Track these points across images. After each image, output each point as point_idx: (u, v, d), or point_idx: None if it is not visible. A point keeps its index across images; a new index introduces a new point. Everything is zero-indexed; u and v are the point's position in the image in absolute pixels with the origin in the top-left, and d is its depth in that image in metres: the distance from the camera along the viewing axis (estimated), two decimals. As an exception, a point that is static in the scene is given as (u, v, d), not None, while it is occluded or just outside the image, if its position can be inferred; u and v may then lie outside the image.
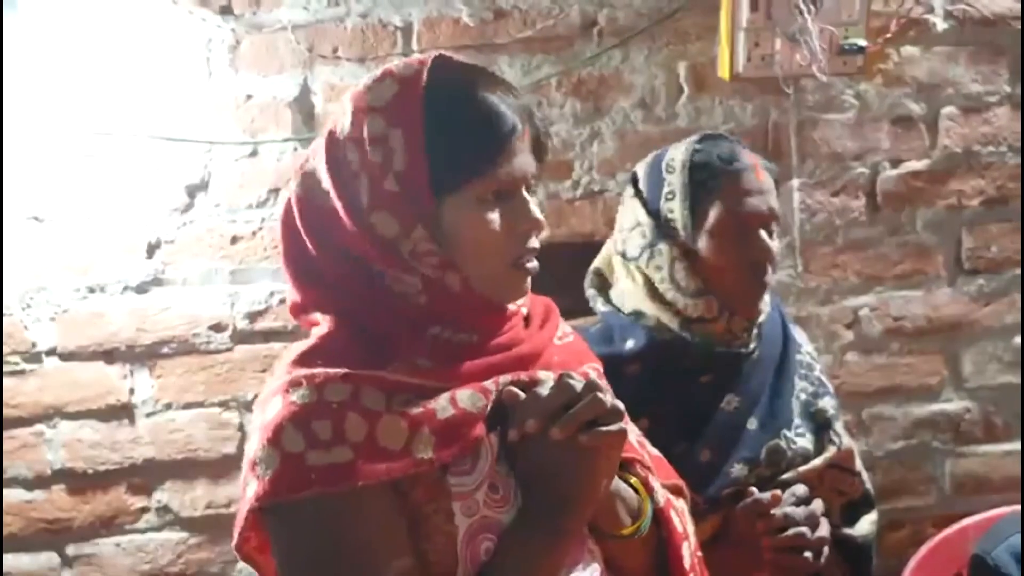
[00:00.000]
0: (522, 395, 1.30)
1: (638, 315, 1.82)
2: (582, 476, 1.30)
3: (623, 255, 1.84)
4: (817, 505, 1.74)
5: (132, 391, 2.16)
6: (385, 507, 1.25)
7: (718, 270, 1.76)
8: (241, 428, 2.22)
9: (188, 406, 2.19)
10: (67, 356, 2.14)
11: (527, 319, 1.42)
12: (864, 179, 2.37)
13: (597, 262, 1.93)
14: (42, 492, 2.15)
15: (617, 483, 1.38)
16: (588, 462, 1.29)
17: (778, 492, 1.73)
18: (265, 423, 1.24)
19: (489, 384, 1.30)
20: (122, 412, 2.17)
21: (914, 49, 2.34)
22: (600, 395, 1.28)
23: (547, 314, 1.44)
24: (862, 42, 2.20)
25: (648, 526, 1.40)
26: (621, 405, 1.30)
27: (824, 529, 1.73)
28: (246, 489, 1.25)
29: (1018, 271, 2.43)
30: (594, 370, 1.42)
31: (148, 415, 2.18)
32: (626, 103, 2.28)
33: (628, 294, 1.84)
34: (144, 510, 2.20)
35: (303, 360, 1.29)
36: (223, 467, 2.21)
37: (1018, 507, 2.06)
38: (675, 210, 1.78)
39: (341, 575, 1.25)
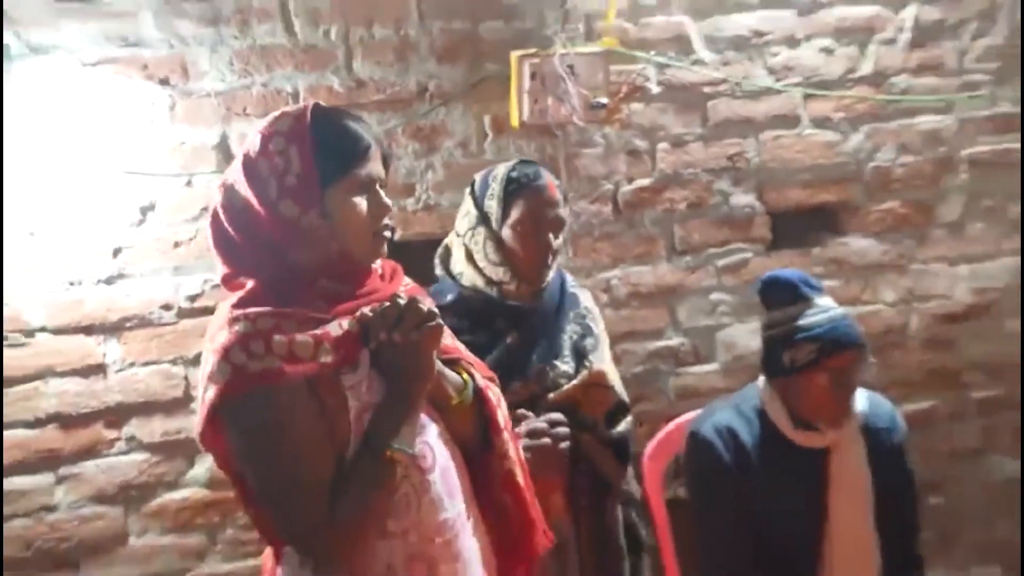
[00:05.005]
0: (370, 313, 1.49)
1: (460, 275, 2.03)
2: (419, 359, 1.52)
3: (456, 233, 2.06)
4: (563, 431, 1.92)
5: (105, 355, 2.34)
6: (304, 398, 1.44)
7: (514, 252, 2.00)
8: (185, 378, 2.40)
9: (146, 364, 2.38)
10: (56, 331, 2.31)
11: (382, 275, 1.61)
12: (610, 192, 2.66)
13: (446, 240, 2.13)
14: (40, 430, 2.31)
15: (443, 369, 1.58)
16: (420, 350, 1.51)
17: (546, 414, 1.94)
18: (216, 347, 1.43)
19: (359, 315, 1.50)
20: (98, 370, 2.34)
21: (639, 105, 2.64)
22: (420, 305, 1.50)
23: (394, 272, 1.65)
24: (604, 100, 2.48)
25: (471, 397, 1.62)
26: (436, 310, 1.52)
27: (565, 445, 1.91)
28: (205, 395, 1.43)
29: (711, 250, 2.76)
30: (425, 298, 1.59)
31: (117, 371, 2.36)
32: (450, 144, 2.53)
33: (456, 261, 2.05)
34: (116, 440, 2.37)
35: (239, 305, 1.47)
36: (173, 406, 2.40)
37: (715, 402, 2.36)
38: (492, 207, 2.01)
39: (281, 448, 1.44)
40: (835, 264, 2.88)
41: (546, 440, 1.90)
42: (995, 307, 3.02)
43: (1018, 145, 2.98)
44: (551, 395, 2.00)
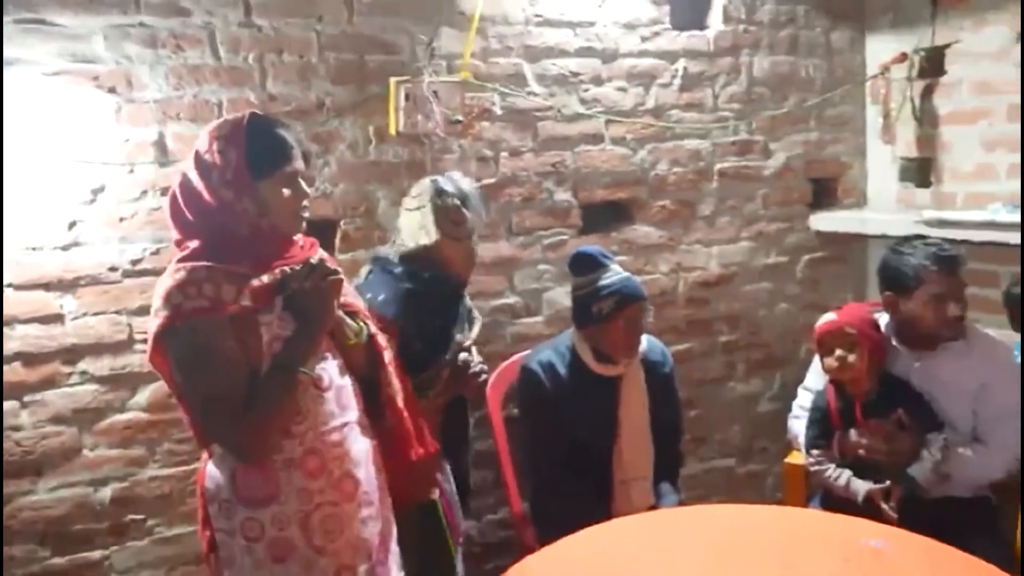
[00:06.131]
0: (288, 270, 1.53)
1: (450, 270, 2.07)
2: (324, 303, 1.55)
3: (440, 237, 2.05)
4: (485, 367, 2.13)
5: (62, 306, 2.20)
6: (225, 330, 1.46)
7: (447, 254, 2.07)
8: (128, 325, 2.26)
9: (96, 314, 2.24)
10: (19, 288, 2.16)
11: (302, 246, 1.65)
12: (464, 189, 2.56)
13: (414, 244, 2.06)
14: (7, 366, 2.16)
15: (344, 317, 1.62)
16: (324, 296, 1.55)
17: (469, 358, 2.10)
18: (162, 291, 1.47)
19: (278, 271, 1.54)
20: (56, 318, 2.20)
21: (487, 123, 2.60)
22: (327, 263, 1.55)
23: (312, 244, 1.68)
24: (460, 118, 2.46)
25: (364, 339, 1.66)
26: (338, 268, 1.57)
27: (484, 373, 2.11)
28: (152, 324, 1.46)
29: (539, 233, 2.69)
30: (331, 261, 1.65)
31: (72, 319, 2.22)
32: (342, 146, 2.44)
33: (437, 262, 2.07)
34: (72, 374, 2.24)
35: (182, 260, 1.50)
36: (118, 347, 2.27)
37: (540, 344, 2.40)
38: (466, 233, 2.07)
39: (207, 366, 1.45)
40: (627, 244, 2.91)
41: (484, 376, 2.12)
42: (736, 277, 3.11)
43: (750, 162, 3.10)
44: (466, 343, 2.12)
